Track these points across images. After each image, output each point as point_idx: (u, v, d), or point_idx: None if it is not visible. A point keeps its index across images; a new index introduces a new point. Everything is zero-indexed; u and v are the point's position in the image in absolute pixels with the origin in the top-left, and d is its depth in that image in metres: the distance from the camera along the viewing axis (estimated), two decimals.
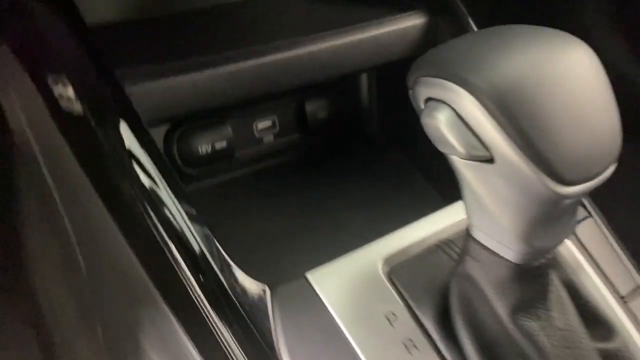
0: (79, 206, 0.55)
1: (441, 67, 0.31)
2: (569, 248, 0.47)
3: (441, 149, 0.32)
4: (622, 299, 0.46)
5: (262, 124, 0.61)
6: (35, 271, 0.91)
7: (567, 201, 0.31)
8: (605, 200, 0.55)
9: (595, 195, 0.54)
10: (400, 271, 0.42)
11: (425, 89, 0.32)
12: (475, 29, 0.58)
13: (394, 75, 0.65)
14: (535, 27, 0.34)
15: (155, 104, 0.47)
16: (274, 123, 0.62)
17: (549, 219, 0.33)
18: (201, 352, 0.41)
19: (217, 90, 0.51)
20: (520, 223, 0.33)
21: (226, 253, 0.42)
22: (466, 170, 0.33)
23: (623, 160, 0.33)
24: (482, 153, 0.31)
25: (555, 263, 0.44)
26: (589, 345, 0.38)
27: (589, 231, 0.48)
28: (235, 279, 0.39)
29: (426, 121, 0.32)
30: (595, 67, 0.31)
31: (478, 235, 0.36)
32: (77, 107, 0.46)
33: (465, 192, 0.34)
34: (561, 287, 0.39)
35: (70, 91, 0.46)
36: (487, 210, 0.34)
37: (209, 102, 0.51)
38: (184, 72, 0.48)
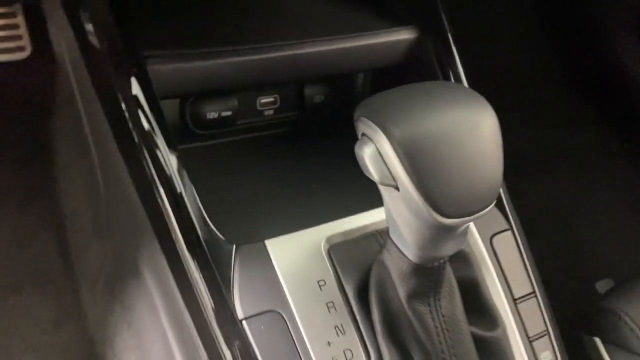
0: (103, 145, 0.67)
1: (374, 112, 0.42)
2: (483, 254, 0.58)
3: (364, 172, 0.43)
4: (514, 301, 0.57)
5: (265, 100, 0.72)
6: (62, 183, 1.05)
7: (451, 227, 0.42)
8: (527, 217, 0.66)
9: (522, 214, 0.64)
10: (338, 249, 0.53)
11: (362, 125, 0.42)
12: (454, 48, 0.67)
13: (386, 75, 0.75)
14: (455, 87, 0.43)
15: (171, 81, 0.58)
16: (275, 100, 0.73)
17: (439, 238, 0.44)
18: (178, 283, 0.54)
19: (226, 77, 0.62)
20: (415, 238, 0.44)
21: (212, 203, 0.54)
22: (383, 191, 0.44)
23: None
24: (391, 182, 0.41)
25: (465, 261, 0.55)
26: (466, 330, 0.50)
27: (505, 242, 0.59)
28: (210, 234, 0.51)
29: (356, 151, 0.42)
30: (492, 131, 0.41)
31: (392, 235, 0.47)
32: (107, 69, 0.58)
33: (384, 205, 0.45)
34: (454, 283, 0.50)
35: (104, 49, 0.58)
36: (395, 222, 0.45)
37: (218, 85, 0.62)
38: (198, 59, 0.58)
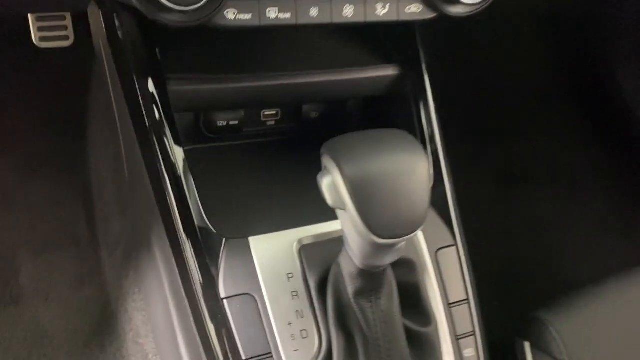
0: (128, 135, 0.80)
1: (334, 152, 0.54)
2: (427, 264, 0.70)
3: (323, 196, 0.55)
4: (449, 305, 0.69)
5: (268, 112, 0.84)
6: (93, 158, 1.19)
7: (385, 245, 0.54)
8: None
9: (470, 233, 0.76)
10: (307, 249, 0.66)
11: (324, 160, 0.55)
12: (428, 86, 0.78)
13: (374, 102, 0.87)
14: (401, 137, 0.55)
15: (186, 99, 0.71)
16: (277, 113, 0.85)
17: (377, 252, 0.56)
18: (177, 263, 0.68)
19: (233, 98, 0.74)
20: (359, 250, 0.56)
21: (210, 199, 0.67)
22: (336, 211, 0.56)
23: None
24: (341, 207, 0.54)
25: (411, 268, 0.67)
26: (400, 324, 0.62)
27: (448, 256, 0.71)
28: (206, 228, 0.65)
29: (318, 179, 0.55)
30: (422, 175, 0.53)
31: (345, 244, 0.59)
32: (134, 79, 0.71)
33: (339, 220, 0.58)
34: (394, 285, 0.62)
35: (132, 61, 0.71)
36: (346, 236, 0.57)
37: (226, 104, 0.75)
38: (211, 83, 0.71)
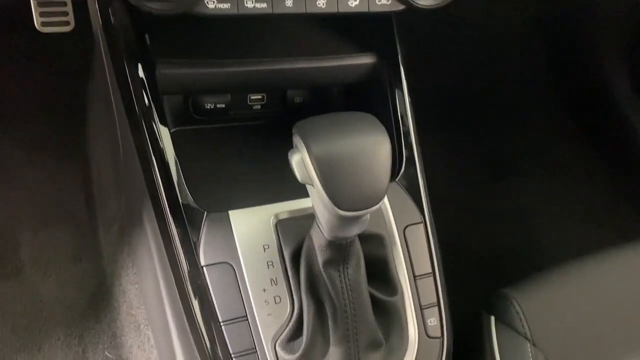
0: (122, 119, 0.85)
1: (303, 132, 0.59)
2: (396, 239, 0.75)
3: (293, 172, 0.60)
4: (414, 277, 0.74)
5: (254, 97, 0.89)
6: (93, 141, 1.24)
7: (348, 218, 0.59)
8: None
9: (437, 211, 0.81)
10: (283, 223, 0.71)
11: (295, 139, 0.60)
12: (403, 73, 0.83)
13: (354, 88, 0.91)
14: (366, 119, 0.60)
15: (174, 83, 0.76)
16: (263, 97, 0.90)
17: (342, 224, 0.61)
18: (162, 236, 0.73)
19: (220, 82, 0.79)
20: (326, 222, 0.61)
21: (195, 176, 0.73)
22: (307, 186, 0.61)
23: None
24: (309, 182, 0.59)
25: (381, 243, 0.72)
26: (366, 292, 0.67)
27: (416, 232, 0.76)
28: (189, 202, 0.70)
29: (289, 157, 0.60)
30: (383, 155, 0.58)
31: (316, 218, 0.64)
32: (125, 64, 0.76)
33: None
34: (361, 256, 0.67)
35: (123, 46, 0.75)
36: (315, 209, 0.62)
37: (213, 88, 0.80)
38: (197, 68, 0.76)
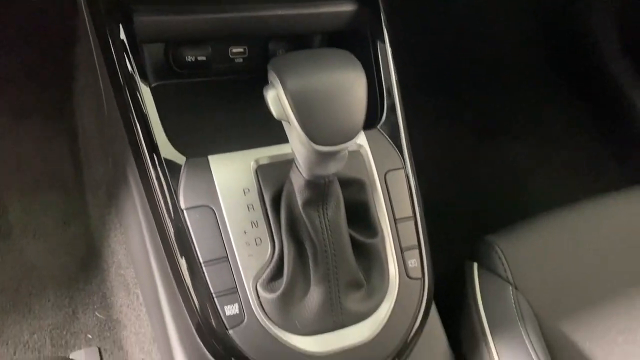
0: (104, 76, 0.85)
1: (279, 67, 0.59)
2: (376, 184, 0.75)
3: (269, 109, 0.60)
4: (395, 220, 0.75)
5: (235, 50, 0.89)
6: (78, 104, 1.24)
7: (325, 153, 0.59)
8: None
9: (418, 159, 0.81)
10: (263, 168, 0.71)
11: (270, 75, 0.60)
12: (383, 21, 0.83)
13: (337, 38, 0.91)
14: (342, 55, 0.60)
15: (152, 30, 0.76)
16: (244, 50, 0.89)
17: (319, 161, 0.61)
18: (143, 184, 0.74)
19: (199, 29, 0.79)
20: (304, 160, 0.61)
21: (174, 125, 0.73)
22: (283, 124, 0.61)
23: None
24: (284, 118, 0.59)
25: (362, 187, 0.73)
26: (346, 233, 0.67)
27: (396, 177, 0.76)
28: (168, 149, 0.70)
29: (264, 93, 0.60)
30: (359, 90, 0.58)
31: (295, 159, 0.65)
32: (102, 14, 0.75)
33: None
34: (341, 198, 0.67)
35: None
36: (292, 148, 0.62)
37: (192, 35, 0.79)
38: (175, 14, 0.76)
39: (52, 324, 1.11)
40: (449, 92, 1.62)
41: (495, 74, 1.68)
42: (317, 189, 0.65)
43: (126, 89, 0.73)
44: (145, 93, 0.71)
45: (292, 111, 0.57)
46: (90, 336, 1.11)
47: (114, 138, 0.94)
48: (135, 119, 0.71)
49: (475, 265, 0.84)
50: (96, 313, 1.14)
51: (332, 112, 0.58)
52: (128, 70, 0.73)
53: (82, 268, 1.18)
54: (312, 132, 0.58)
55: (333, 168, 0.63)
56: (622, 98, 1.60)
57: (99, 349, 1.09)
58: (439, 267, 0.80)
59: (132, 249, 1.03)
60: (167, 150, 0.70)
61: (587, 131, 1.62)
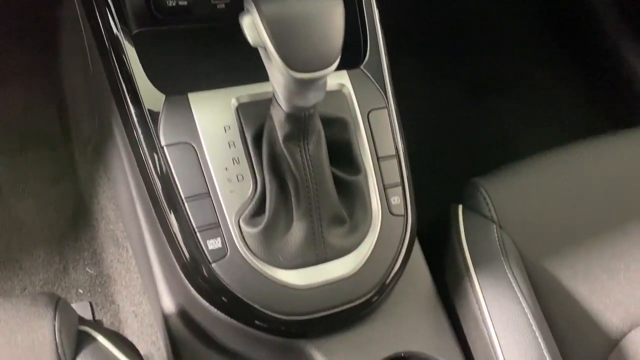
0: (87, 31, 0.84)
1: None
2: (359, 123, 0.75)
3: (245, 36, 0.59)
4: (378, 158, 0.74)
5: None
6: (65, 65, 1.23)
7: (303, 81, 0.59)
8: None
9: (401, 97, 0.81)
10: (244, 106, 0.71)
11: (245, 2, 0.59)
12: None
13: None
14: None
15: None
16: None
17: (298, 91, 0.60)
18: (125, 126, 0.73)
19: None
20: (283, 91, 0.60)
21: (155, 67, 0.72)
22: (260, 53, 0.61)
23: None
24: (261, 45, 0.58)
25: (345, 126, 0.72)
26: (327, 168, 0.67)
27: (379, 116, 0.76)
28: (144, 87, 0.69)
29: (239, 19, 0.59)
30: (336, 16, 0.58)
31: (274, 93, 0.64)
32: None
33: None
34: (322, 133, 0.67)
35: None
36: (271, 80, 0.62)
37: None
38: None
39: (42, 280, 1.11)
40: (439, 51, 1.61)
41: (489, 33, 1.67)
42: (298, 122, 0.64)
43: (107, 36, 0.73)
44: (126, 39, 0.71)
45: (268, 36, 0.57)
46: (81, 291, 1.12)
47: (99, 94, 0.94)
48: (116, 65, 0.71)
49: (460, 207, 0.85)
50: (87, 269, 1.14)
51: (309, 37, 0.57)
52: (108, 17, 0.72)
53: (72, 225, 1.18)
54: (289, 58, 0.57)
55: (313, 99, 0.62)
56: (618, 59, 1.60)
57: (90, 304, 1.10)
58: (425, 215, 0.80)
59: (120, 201, 1.03)
60: (146, 89, 0.70)
61: (580, 93, 1.61)
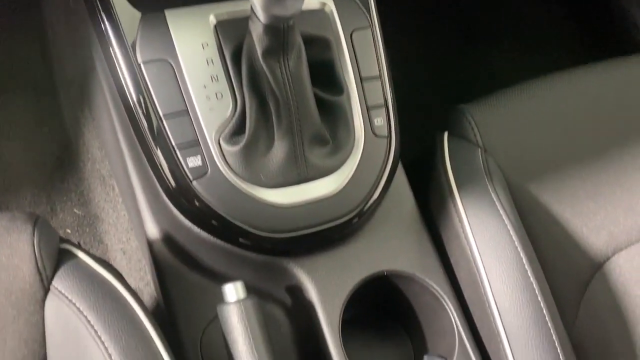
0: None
1: None
2: (342, 43, 0.73)
3: None
4: (361, 79, 0.73)
5: None
6: (46, 8, 1.20)
7: None
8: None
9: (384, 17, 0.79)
10: (223, 23, 0.69)
11: None
12: None
13: None
14: None
15: None
16: None
17: None
18: (106, 57, 0.71)
19: None
20: None
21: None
22: None
23: None
24: None
25: (327, 46, 0.71)
26: (308, 86, 0.66)
27: (363, 36, 0.74)
28: (119, 4, 0.68)
29: None
30: None
31: (251, 4, 0.63)
32: None
33: None
34: (302, 49, 0.66)
35: None
36: None
37: None
38: None
39: None
40: None
41: None
42: (277, 35, 0.63)
43: None
44: None
45: None
46: (69, 231, 1.12)
47: (79, 31, 0.91)
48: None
49: (446, 133, 0.84)
50: (74, 209, 1.14)
51: None
52: None
53: (58, 167, 1.17)
54: None
55: (291, 7, 0.60)
56: (619, 11, 1.57)
57: (79, 243, 1.10)
58: (411, 145, 0.79)
59: (104, 136, 1.02)
60: (122, 5, 0.68)
61: (573, 35, 1.59)
